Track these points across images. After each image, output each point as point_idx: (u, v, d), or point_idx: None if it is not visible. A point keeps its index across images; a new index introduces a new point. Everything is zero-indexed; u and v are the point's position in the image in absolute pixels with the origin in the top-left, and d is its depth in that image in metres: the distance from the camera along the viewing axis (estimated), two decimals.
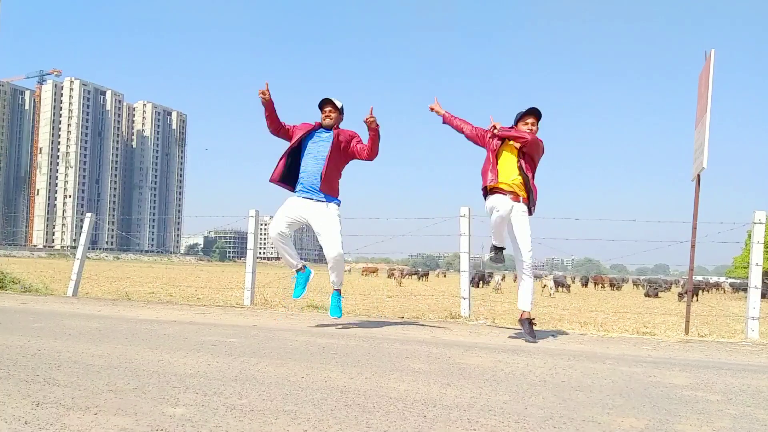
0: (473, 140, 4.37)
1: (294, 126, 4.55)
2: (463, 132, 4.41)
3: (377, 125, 4.28)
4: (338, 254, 4.31)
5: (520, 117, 4.24)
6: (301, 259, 4.61)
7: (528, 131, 4.16)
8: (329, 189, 4.37)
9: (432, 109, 4.51)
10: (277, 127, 4.51)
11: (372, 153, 4.38)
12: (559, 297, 18.87)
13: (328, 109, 4.43)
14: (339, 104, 4.45)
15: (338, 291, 4.59)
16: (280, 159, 4.46)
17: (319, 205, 4.33)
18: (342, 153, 4.41)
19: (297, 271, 4.58)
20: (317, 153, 4.38)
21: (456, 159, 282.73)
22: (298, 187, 4.41)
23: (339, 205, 4.42)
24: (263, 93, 4.37)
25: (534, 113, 4.20)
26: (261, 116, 4.45)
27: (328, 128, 4.44)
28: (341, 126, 4.52)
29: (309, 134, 4.45)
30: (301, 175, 4.41)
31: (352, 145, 4.43)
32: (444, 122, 4.47)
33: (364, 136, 4.40)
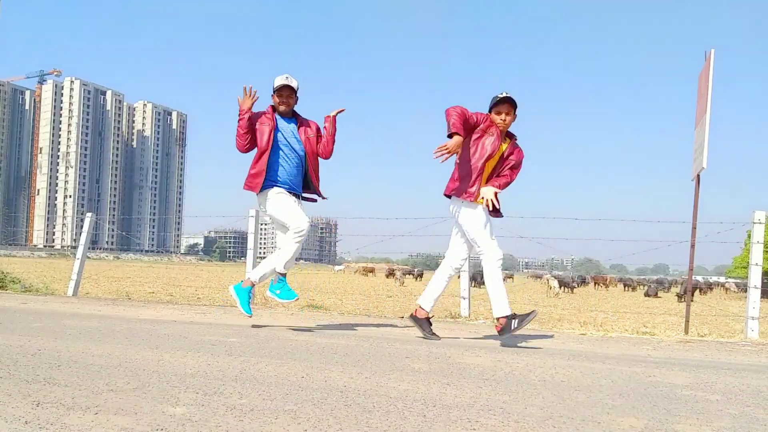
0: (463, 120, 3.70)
1: (252, 119, 4.12)
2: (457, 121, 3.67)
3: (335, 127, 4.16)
4: (304, 229, 3.99)
5: (495, 104, 3.79)
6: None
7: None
8: (312, 190, 4.30)
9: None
10: (253, 138, 4.10)
11: (329, 153, 4.20)
12: (560, 297, 18.87)
13: (285, 94, 4.07)
14: (295, 84, 4.08)
15: (284, 276, 4.13)
16: (256, 161, 4.06)
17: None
18: (314, 148, 4.19)
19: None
20: (290, 151, 4.10)
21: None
22: (281, 180, 4.10)
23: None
24: (251, 97, 4.03)
25: (509, 101, 3.77)
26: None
27: (285, 115, 4.14)
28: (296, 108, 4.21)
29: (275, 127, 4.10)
30: (279, 172, 4.09)
31: (318, 139, 4.23)
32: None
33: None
